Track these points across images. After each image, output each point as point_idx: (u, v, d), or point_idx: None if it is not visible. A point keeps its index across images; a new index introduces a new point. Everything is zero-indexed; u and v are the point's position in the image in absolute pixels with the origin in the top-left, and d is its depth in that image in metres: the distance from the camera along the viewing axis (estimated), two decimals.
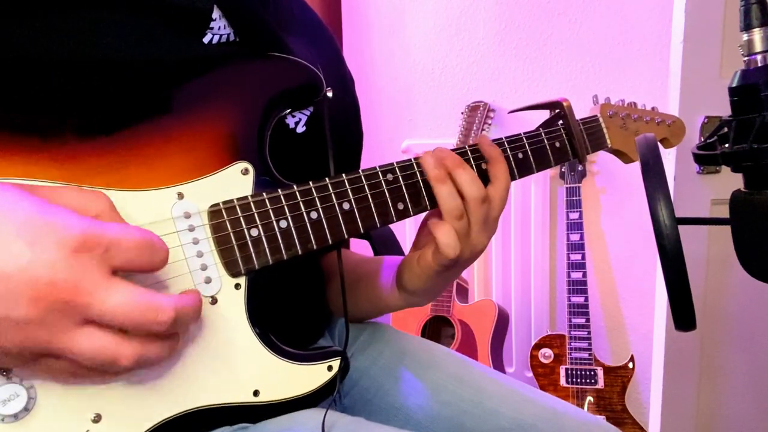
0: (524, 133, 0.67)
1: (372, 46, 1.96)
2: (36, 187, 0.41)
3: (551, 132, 0.69)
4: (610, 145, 0.76)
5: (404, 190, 0.59)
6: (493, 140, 0.64)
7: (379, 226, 0.57)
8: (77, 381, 0.44)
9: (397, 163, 0.59)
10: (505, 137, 0.65)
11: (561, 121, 0.70)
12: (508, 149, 0.65)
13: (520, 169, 0.66)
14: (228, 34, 0.55)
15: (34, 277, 0.36)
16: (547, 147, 0.68)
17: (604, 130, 0.75)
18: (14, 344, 0.37)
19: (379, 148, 1.97)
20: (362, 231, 0.56)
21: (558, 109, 0.71)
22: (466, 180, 0.58)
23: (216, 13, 0.54)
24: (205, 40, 0.54)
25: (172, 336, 0.43)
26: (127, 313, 0.38)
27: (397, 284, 0.66)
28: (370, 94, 1.98)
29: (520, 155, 0.66)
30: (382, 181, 0.58)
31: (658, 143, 0.83)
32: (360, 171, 0.57)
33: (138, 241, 0.40)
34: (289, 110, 0.58)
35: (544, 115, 0.73)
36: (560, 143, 0.69)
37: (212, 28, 0.54)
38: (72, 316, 0.38)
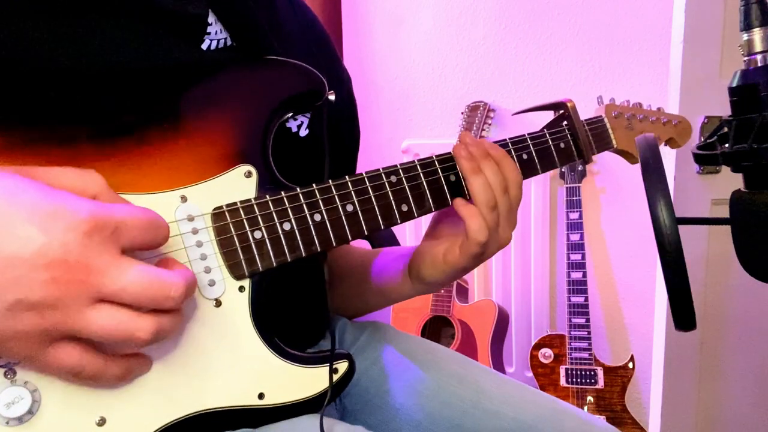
0: (528, 134, 0.66)
1: (372, 46, 1.96)
2: (33, 170, 0.42)
3: (555, 133, 0.68)
4: (615, 146, 0.76)
5: (408, 192, 0.59)
6: (497, 141, 0.64)
7: (383, 227, 0.57)
8: (83, 382, 0.43)
9: (401, 165, 0.59)
10: (509, 138, 0.65)
11: (565, 122, 0.70)
12: (512, 150, 0.64)
13: (525, 170, 0.65)
14: (225, 39, 0.56)
15: (49, 260, 0.37)
16: (552, 148, 0.68)
17: (610, 131, 0.75)
18: (30, 328, 0.38)
19: (379, 148, 1.97)
20: (366, 233, 0.56)
21: (562, 110, 0.70)
22: (492, 171, 0.60)
23: (211, 18, 0.54)
24: (204, 46, 0.54)
25: (178, 310, 0.44)
26: (141, 291, 0.40)
27: (411, 276, 0.66)
28: (370, 94, 1.98)
29: (525, 156, 0.65)
30: (386, 183, 0.57)
31: (664, 143, 0.83)
32: (363, 173, 0.57)
33: (143, 220, 0.41)
34: (290, 114, 0.58)
35: (548, 116, 0.73)
36: (565, 144, 0.69)
37: (209, 33, 0.54)
38: (86, 295, 0.38)
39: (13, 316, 0.37)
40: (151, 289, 0.40)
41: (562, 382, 1.63)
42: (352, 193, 0.56)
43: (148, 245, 0.42)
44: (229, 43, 0.56)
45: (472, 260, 0.61)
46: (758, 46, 0.45)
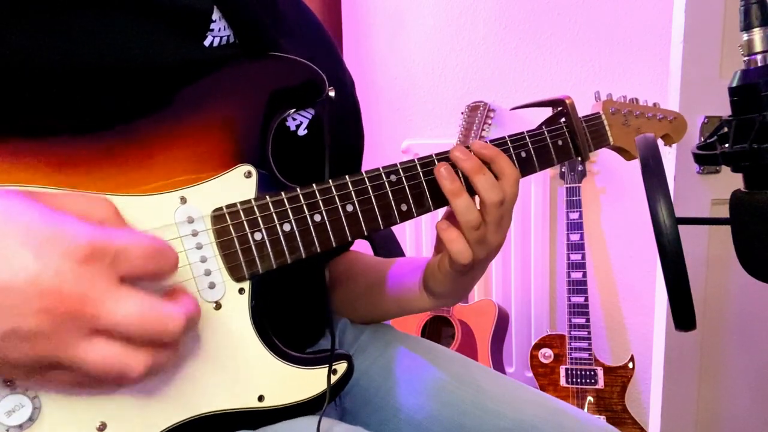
0: (527, 132, 0.66)
1: (372, 46, 1.96)
2: (39, 194, 0.40)
3: (554, 130, 0.68)
4: (612, 143, 0.76)
5: (407, 191, 0.58)
6: (496, 139, 0.64)
7: (382, 227, 0.57)
8: (83, 390, 0.43)
9: (401, 164, 0.59)
10: (508, 136, 0.65)
11: (563, 119, 0.70)
12: (510, 148, 0.64)
13: (524, 167, 0.65)
14: (228, 36, 0.55)
15: (42, 289, 0.35)
16: (550, 145, 0.68)
17: (607, 128, 0.75)
18: (23, 357, 0.37)
19: (379, 148, 1.97)
20: (366, 233, 0.56)
21: (560, 107, 0.70)
22: (485, 186, 0.58)
23: (216, 14, 0.54)
24: (206, 42, 0.54)
25: (176, 343, 0.42)
26: (138, 324, 0.38)
27: (423, 287, 0.67)
28: (370, 94, 1.98)
29: (523, 154, 0.65)
30: (386, 183, 0.57)
31: (659, 141, 0.83)
32: (363, 173, 0.56)
33: (146, 249, 0.39)
34: (291, 110, 0.57)
35: (546, 112, 0.73)
36: (563, 141, 0.69)
37: (212, 30, 0.54)
38: (80, 327, 0.37)
39: (6, 345, 0.36)
40: (148, 324, 0.38)
41: (562, 382, 1.63)
42: (352, 193, 0.55)
43: (151, 275, 0.40)
44: (232, 40, 0.55)
45: (464, 272, 0.61)
46: (758, 46, 0.45)
